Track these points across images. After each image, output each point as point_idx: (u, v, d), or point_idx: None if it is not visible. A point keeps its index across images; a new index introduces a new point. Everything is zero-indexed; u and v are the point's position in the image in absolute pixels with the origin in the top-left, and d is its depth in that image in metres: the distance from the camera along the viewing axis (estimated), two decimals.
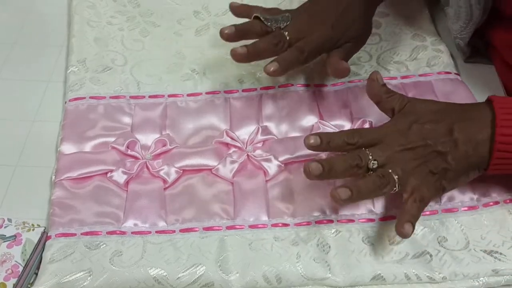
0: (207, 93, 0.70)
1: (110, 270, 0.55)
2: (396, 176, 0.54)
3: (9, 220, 0.58)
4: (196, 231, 0.59)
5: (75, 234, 0.58)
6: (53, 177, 0.62)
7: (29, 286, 0.56)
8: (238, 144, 0.64)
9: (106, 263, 0.56)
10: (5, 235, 0.57)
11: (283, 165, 0.63)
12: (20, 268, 0.55)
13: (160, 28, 0.77)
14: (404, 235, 0.53)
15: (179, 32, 0.77)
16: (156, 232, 0.58)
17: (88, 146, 0.64)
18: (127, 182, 0.62)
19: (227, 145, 0.65)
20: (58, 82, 0.72)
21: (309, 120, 0.67)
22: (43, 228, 0.58)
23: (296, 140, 0.65)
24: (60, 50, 0.76)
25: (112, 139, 0.65)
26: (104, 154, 0.63)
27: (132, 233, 0.58)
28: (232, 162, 0.62)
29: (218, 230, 0.59)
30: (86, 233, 0.58)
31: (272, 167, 0.62)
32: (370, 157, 0.55)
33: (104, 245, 0.57)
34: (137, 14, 0.79)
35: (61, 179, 0.61)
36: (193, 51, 0.74)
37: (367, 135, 0.57)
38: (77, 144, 0.64)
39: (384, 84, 0.60)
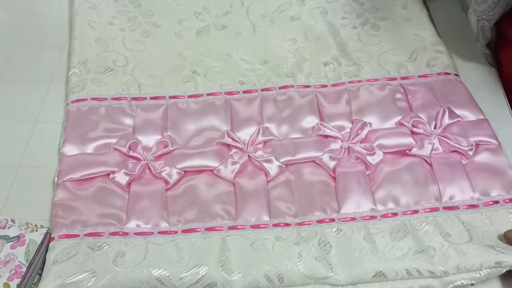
0: (208, 94, 0.70)
1: (113, 271, 0.56)
2: None
3: (13, 220, 0.58)
4: (198, 231, 0.59)
5: (78, 235, 0.58)
6: (56, 178, 0.62)
7: (32, 286, 0.56)
8: (239, 145, 0.64)
9: (109, 264, 0.56)
10: (9, 236, 0.57)
11: (284, 166, 0.63)
12: (24, 269, 0.55)
13: (161, 28, 0.78)
14: None
15: (180, 33, 0.77)
16: (159, 233, 0.59)
17: (90, 148, 0.65)
18: (129, 183, 0.62)
19: (228, 146, 0.65)
20: (59, 83, 0.72)
21: (310, 121, 0.67)
22: (46, 229, 0.58)
23: (297, 141, 0.65)
24: (61, 51, 0.76)
25: (114, 141, 0.65)
26: (106, 156, 0.64)
27: (135, 234, 0.58)
28: (234, 163, 0.63)
29: (220, 230, 0.59)
30: (89, 234, 0.58)
31: (273, 167, 0.63)
32: None
33: (107, 246, 0.57)
34: (138, 15, 0.79)
35: (63, 181, 0.62)
36: (193, 53, 0.75)
37: None
38: (79, 145, 0.65)
39: None
